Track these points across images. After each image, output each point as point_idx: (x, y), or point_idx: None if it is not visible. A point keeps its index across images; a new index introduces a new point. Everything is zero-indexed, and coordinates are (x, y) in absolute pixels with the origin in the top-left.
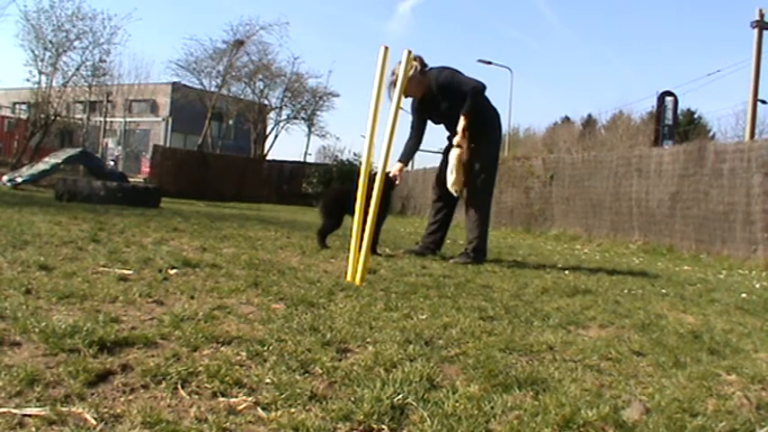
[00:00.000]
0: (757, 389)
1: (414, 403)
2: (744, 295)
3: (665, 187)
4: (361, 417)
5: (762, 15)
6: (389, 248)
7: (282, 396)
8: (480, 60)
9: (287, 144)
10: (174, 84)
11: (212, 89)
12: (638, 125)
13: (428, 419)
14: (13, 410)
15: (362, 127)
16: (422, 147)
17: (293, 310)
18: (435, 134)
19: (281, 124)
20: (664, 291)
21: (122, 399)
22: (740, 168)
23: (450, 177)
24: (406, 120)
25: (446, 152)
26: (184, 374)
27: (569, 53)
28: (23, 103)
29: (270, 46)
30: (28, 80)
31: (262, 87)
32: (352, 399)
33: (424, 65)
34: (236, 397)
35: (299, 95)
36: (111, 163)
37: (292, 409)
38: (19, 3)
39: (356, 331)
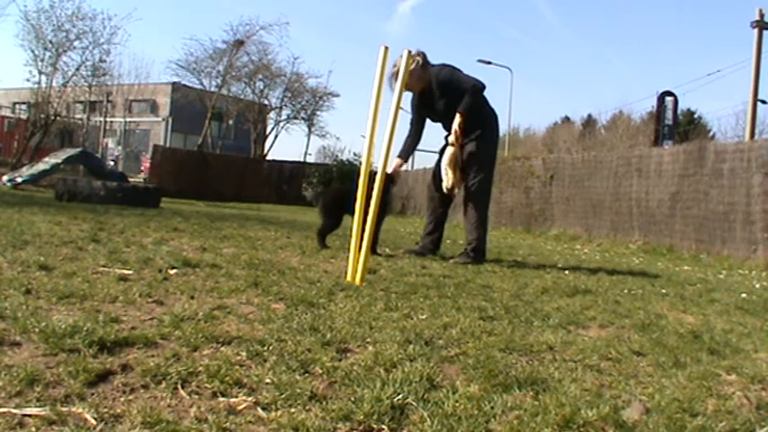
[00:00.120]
0: (757, 389)
1: (414, 403)
2: (744, 295)
3: (665, 187)
4: (361, 417)
5: (762, 15)
6: (389, 248)
7: (282, 396)
8: (480, 60)
9: (287, 144)
10: (174, 84)
11: (212, 89)
12: (638, 125)
13: (428, 419)
14: (13, 410)
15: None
16: (423, 146)
17: (293, 310)
18: (436, 134)
19: (281, 124)
20: (664, 291)
21: (122, 399)
22: (740, 168)
23: (446, 176)
24: (406, 120)
25: (442, 151)
26: (184, 374)
27: (569, 53)
28: (23, 103)
29: (270, 46)
30: (28, 80)
31: (262, 87)
32: (352, 399)
33: (426, 61)
34: (236, 397)
35: (299, 95)
36: (111, 163)
37: (292, 409)
38: (19, 3)
39: (356, 331)
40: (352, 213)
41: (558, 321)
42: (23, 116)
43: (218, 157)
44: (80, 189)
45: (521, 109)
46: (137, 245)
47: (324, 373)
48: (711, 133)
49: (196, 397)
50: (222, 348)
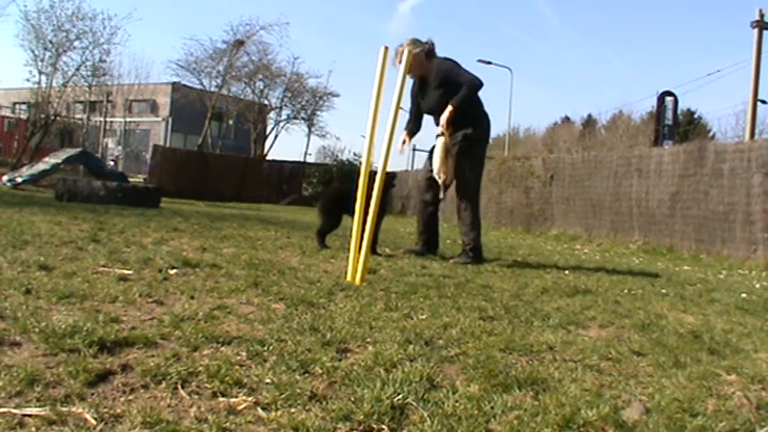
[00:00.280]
0: (757, 389)
1: (414, 403)
2: (744, 295)
3: (665, 187)
4: (361, 417)
5: (762, 15)
6: (389, 248)
7: (282, 396)
8: (480, 60)
9: (287, 144)
10: (174, 84)
11: (212, 89)
12: (638, 125)
13: (428, 419)
14: (13, 410)
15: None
16: (423, 146)
17: (293, 310)
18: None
19: (281, 124)
20: (664, 291)
21: (122, 399)
22: (740, 168)
23: (436, 165)
24: (405, 120)
25: (431, 152)
26: (184, 374)
27: (569, 53)
28: (23, 103)
29: (270, 46)
30: (28, 80)
31: (262, 87)
32: (352, 399)
33: (433, 51)
34: (236, 397)
35: (299, 95)
36: (111, 163)
37: (292, 409)
38: (19, 3)
39: (356, 331)
40: (352, 214)
41: (558, 321)
42: (23, 116)
43: (218, 157)
44: (80, 189)
45: (521, 109)
46: (137, 245)
47: (324, 373)
48: (711, 133)
49: (196, 397)
50: (222, 348)
